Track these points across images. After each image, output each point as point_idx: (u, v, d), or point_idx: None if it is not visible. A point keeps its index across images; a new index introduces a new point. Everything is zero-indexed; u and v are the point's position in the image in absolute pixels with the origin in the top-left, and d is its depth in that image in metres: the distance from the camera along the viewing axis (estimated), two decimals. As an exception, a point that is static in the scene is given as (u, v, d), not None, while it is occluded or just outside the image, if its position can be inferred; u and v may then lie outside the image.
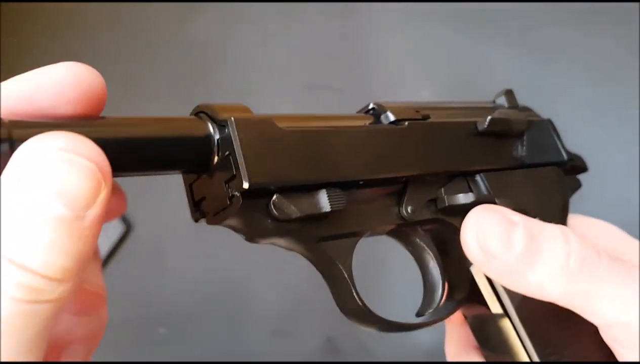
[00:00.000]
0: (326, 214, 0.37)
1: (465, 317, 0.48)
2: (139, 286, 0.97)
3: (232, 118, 0.34)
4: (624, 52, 1.00)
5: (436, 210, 0.44)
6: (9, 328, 0.26)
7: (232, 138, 0.34)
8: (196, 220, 0.38)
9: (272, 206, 0.35)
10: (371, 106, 0.45)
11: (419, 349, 0.97)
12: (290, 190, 0.36)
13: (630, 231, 0.50)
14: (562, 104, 0.90)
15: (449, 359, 0.50)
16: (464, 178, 0.45)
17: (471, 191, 0.45)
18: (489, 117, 0.45)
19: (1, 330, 0.26)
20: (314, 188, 0.37)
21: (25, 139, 0.27)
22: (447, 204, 0.44)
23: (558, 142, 0.51)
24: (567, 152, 0.51)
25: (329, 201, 0.37)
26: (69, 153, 0.27)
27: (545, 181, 0.48)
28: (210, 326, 1.00)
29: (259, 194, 0.35)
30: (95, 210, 0.28)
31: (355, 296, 0.40)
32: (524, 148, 0.48)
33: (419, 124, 0.44)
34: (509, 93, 0.51)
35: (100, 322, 0.37)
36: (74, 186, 0.27)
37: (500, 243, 0.39)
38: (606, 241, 0.45)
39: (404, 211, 0.43)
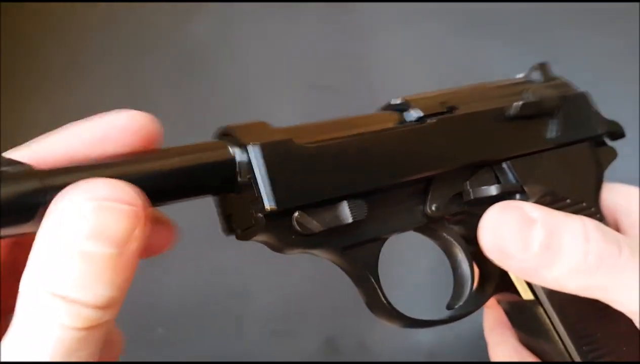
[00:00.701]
0: (349, 224, 0.38)
1: (499, 302, 0.48)
2: (138, 285, 0.97)
3: (252, 145, 0.36)
4: (624, 52, 1.00)
5: (463, 203, 0.44)
6: (68, 352, 0.31)
7: (253, 165, 0.36)
8: (227, 234, 0.39)
9: (295, 222, 0.37)
10: (397, 101, 0.45)
11: (419, 349, 0.97)
12: (312, 205, 0.37)
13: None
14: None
15: (486, 336, 0.50)
16: (490, 168, 0.45)
17: (498, 181, 0.45)
18: (520, 103, 0.45)
19: (55, 356, 0.30)
20: (335, 201, 0.38)
21: (62, 187, 0.31)
22: (472, 197, 0.44)
23: (594, 115, 0.50)
24: (603, 122, 0.50)
25: (351, 213, 0.38)
26: (105, 200, 0.31)
27: (577, 159, 0.47)
28: (210, 326, 1.00)
29: (282, 213, 0.36)
30: (133, 244, 0.32)
31: (383, 299, 0.41)
32: (558, 126, 0.47)
33: (444, 120, 0.43)
34: (544, 67, 0.50)
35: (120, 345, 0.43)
36: (112, 228, 0.31)
37: (517, 244, 0.39)
38: (637, 215, 0.45)
39: (429, 209, 0.43)
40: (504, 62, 1.04)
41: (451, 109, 0.45)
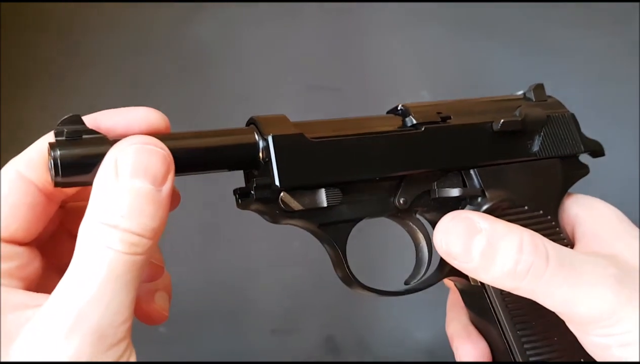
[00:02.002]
0: (325, 207, 0.47)
1: (455, 283, 0.55)
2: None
3: (272, 136, 0.46)
4: (624, 52, 1.00)
5: (430, 200, 0.52)
6: (114, 273, 0.38)
7: (270, 152, 0.45)
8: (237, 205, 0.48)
9: (280, 201, 0.46)
10: (400, 107, 0.52)
11: (419, 348, 0.97)
12: (298, 188, 0.46)
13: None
14: (562, 104, 0.90)
15: (447, 311, 0.58)
16: (459, 172, 0.52)
17: (463, 185, 0.52)
18: (502, 121, 0.52)
19: (108, 276, 0.38)
20: (316, 187, 0.47)
21: None
22: (437, 196, 0.52)
23: (576, 135, 0.56)
24: (586, 142, 0.56)
25: (327, 199, 0.47)
26: (148, 144, 0.41)
27: (545, 173, 0.54)
28: (211, 325, 1.01)
29: (273, 192, 0.46)
30: (168, 185, 0.40)
31: (345, 267, 0.50)
32: (536, 142, 0.54)
33: (430, 129, 0.51)
34: (538, 88, 0.57)
35: (167, 280, 0.51)
36: (153, 166, 0.40)
37: (460, 250, 0.47)
38: (592, 225, 0.52)
39: (397, 202, 0.51)
40: (504, 62, 1.04)
41: (445, 119, 0.52)
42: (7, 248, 0.43)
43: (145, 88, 1.06)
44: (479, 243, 0.46)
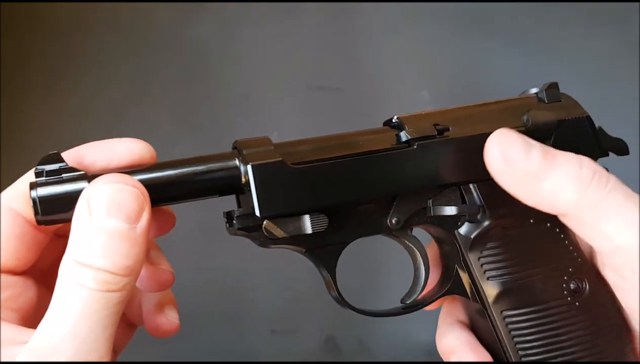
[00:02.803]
0: (310, 234, 0.46)
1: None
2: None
3: (250, 166, 0.44)
4: (623, 52, 1.00)
5: (426, 217, 0.49)
6: (88, 310, 0.38)
7: (250, 182, 0.44)
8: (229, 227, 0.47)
9: (263, 229, 0.45)
10: (394, 119, 0.49)
11: (419, 348, 0.97)
12: (281, 216, 0.45)
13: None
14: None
15: (443, 346, 0.54)
16: (457, 187, 0.49)
17: (463, 201, 0.49)
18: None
19: (82, 313, 0.38)
20: (300, 214, 0.45)
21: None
22: (432, 214, 0.48)
23: (591, 139, 0.51)
24: (606, 142, 0.52)
25: (311, 226, 0.46)
26: (121, 183, 0.41)
27: None
28: (211, 325, 1.01)
29: (255, 220, 0.45)
30: (143, 222, 0.40)
31: (334, 289, 0.49)
32: None
33: (423, 145, 0.48)
34: (551, 88, 0.52)
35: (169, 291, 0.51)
36: (126, 204, 0.40)
37: (520, 152, 0.44)
38: None
39: (389, 222, 0.48)
40: (504, 62, 1.04)
41: (442, 131, 0.48)
42: None
43: (145, 88, 1.06)
44: (536, 149, 0.44)
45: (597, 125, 0.53)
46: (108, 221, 0.39)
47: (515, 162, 0.44)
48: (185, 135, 1.02)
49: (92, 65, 1.07)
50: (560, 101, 0.52)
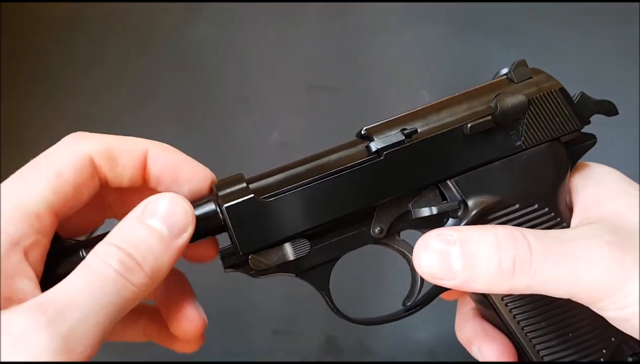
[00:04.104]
0: (295, 259, 0.48)
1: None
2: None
3: (225, 208, 0.46)
4: (624, 52, 1.00)
5: (409, 220, 0.49)
6: (103, 289, 0.40)
7: (227, 222, 0.46)
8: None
9: (250, 262, 0.47)
10: (363, 132, 0.49)
11: (419, 348, 0.97)
12: (262, 248, 0.47)
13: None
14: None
15: (462, 336, 0.55)
16: (435, 186, 0.49)
17: (442, 199, 0.49)
18: (469, 125, 0.48)
19: (97, 288, 0.40)
20: (280, 243, 0.47)
21: None
22: (413, 217, 0.49)
23: (568, 110, 0.51)
24: (592, 103, 0.51)
25: (293, 252, 0.48)
26: (178, 198, 0.44)
27: (533, 162, 0.50)
28: (211, 326, 1.00)
29: (240, 256, 0.48)
30: (181, 239, 0.43)
31: (331, 307, 0.50)
32: (518, 132, 0.50)
33: (392, 153, 0.48)
34: (519, 67, 0.51)
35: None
36: (175, 216, 0.43)
37: (442, 270, 0.45)
38: (589, 190, 0.49)
39: (372, 232, 0.49)
40: (504, 62, 1.03)
41: (410, 134, 0.48)
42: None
43: (145, 89, 1.06)
44: (455, 255, 0.44)
45: (579, 91, 0.52)
46: (154, 222, 0.42)
47: (442, 280, 0.45)
48: (185, 135, 1.02)
49: (92, 66, 1.07)
50: (531, 78, 0.51)
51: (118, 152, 0.46)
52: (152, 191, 0.48)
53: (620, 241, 0.43)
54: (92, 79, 1.06)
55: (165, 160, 0.47)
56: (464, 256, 0.44)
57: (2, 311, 0.39)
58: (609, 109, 0.52)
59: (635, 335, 0.44)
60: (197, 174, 0.48)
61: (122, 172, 0.46)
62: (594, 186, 0.49)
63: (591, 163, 0.52)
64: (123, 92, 1.06)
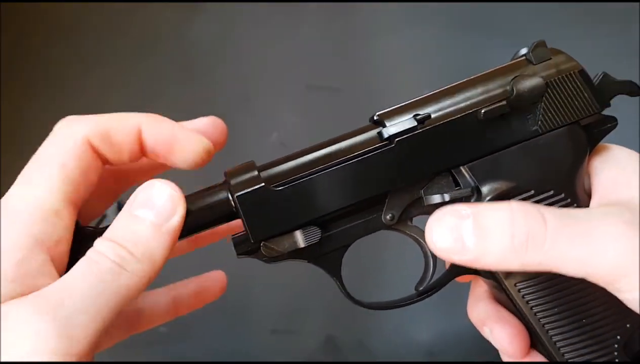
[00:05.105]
0: (306, 246, 0.48)
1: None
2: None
3: (236, 196, 0.47)
4: (624, 52, 1.00)
5: (422, 207, 0.49)
6: (98, 277, 0.41)
7: (239, 210, 0.47)
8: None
9: (262, 250, 0.48)
10: (375, 117, 0.49)
11: (419, 348, 0.98)
12: (275, 235, 0.47)
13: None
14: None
15: (474, 317, 0.54)
16: (448, 172, 0.48)
17: (457, 184, 0.48)
18: (483, 111, 0.47)
19: (94, 277, 0.41)
20: (291, 230, 0.48)
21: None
22: (425, 204, 0.48)
23: (587, 93, 0.49)
24: (602, 98, 0.50)
25: (305, 239, 0.48)
26: (163, 184, 0.45)
27: (549, 147, 0.48)
28: (211, 325, 1.01)
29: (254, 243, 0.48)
30: (171, 224, 0.44)
31: (343, 292, 0.50)
32: (535, 117, 0.48)
33: (404, 140, 0.47)
34: (538, 48, 0.50)
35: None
36: (156, 201, 0.44)
37: (454, 243, 0.44)
38: (608, 173, 0.48)
39: (383, 219, 0.49)
40: (503, 62, 1.04)
41: (423, 120, 0.47)
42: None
43: (145, 89, 1.07)
44: (468, 229, 0.43)
45: (601, 71, 0.51)
46: (141, 212, 0.44)
47: (455, 255, 0.44)
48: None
49: (92, 66, 1.07)
50: (550, 59, 0.50)
51: (113, 131, 0.47)
52: (152, 162, 0.51)
53: (636, 222, 0.42)
54: (92, 79, 1.06)
55: (158, 133, 0.48)
56: (476, 231, 0.43)
57: (2, 305, 0.40)
58: (632, 90, 0.51)
59: None
60: (191, 143, 0.49)
61: (120, 149, 0.48)
62: (614, 170, 0.48)
63: (612, 146, 0.50)
64: (123, 92, 1.06)
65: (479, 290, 0.54)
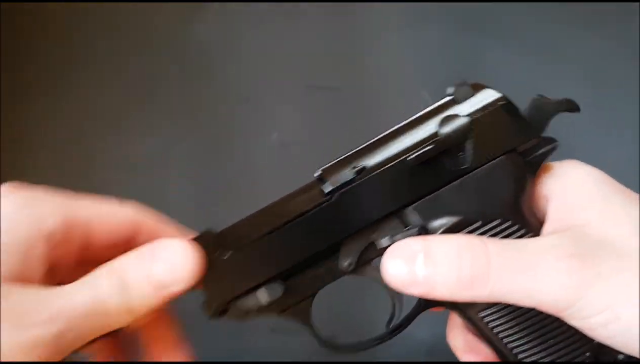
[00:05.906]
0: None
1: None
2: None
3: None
4: (624, 53, 1.00)
5: (377, 250, 0.50)
6: (93, 309, 0.42)
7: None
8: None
9: (230, 310, 0.50)
10: (318, 174, 0.50)
11: (419, 348, 0.97)
12: (236, 298, 0.49)
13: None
14: (562, 104, 0.90)
15: (451, 343, 0.55)
16: (395, 215, 0.49)
17: (405, 225, 0.49)
18: (412, 156, 0.48)
19: (90, 307, 0.42)
20: (252, 290, 0.49)
21: None
22: (379, 248, 0.50)
23: (513, 125, 0.49)
24: (531, 127, 0.50)
25: (268, 295, 0.49)
26: (186, 249, 0.46)
27: (486, 179, 0.49)
28: (211, 325, 1.00)
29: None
30: (172, 289, 0.45)
31: (318, 340, 0.53)
32: (466, 154, 0.49)
33: (345, 192, 0.49)
34: (460, 87, 0.51)
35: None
36: (174, 267, 0.45)
37: (409, 278, 0.45)
38: (563, 196, 0.48)
39: (342, 266, 0.50)
40: (504, 62, 1.04)
41: (360, 171, 0.49)
42: None
43: (145, 89, 1.06)
44: (420, 262, 0.44)
45: (535, 95, 0.51)
46: (153, 266, 0.45)
47: (407, 286, 0.45)
48: (185, 135, 1.02)
49: (92, 65, 1.07)
50: (474, 96, 0.51)
51: (94, 225, 0.48)
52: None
53: (582, 253, 0.43)
54: (92, 79, 1.06)
55: (151, 236, 0.49)
56: (427, 264, 0.44)
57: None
58: (570, 107, 0.51)
59: (606, 343, 0.44)
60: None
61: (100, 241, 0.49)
62: (569, 192, 0.48)
63: (569, 165, 0.50)
64: (123, 91, 1.06)
65: (454, 319, 0.55)
